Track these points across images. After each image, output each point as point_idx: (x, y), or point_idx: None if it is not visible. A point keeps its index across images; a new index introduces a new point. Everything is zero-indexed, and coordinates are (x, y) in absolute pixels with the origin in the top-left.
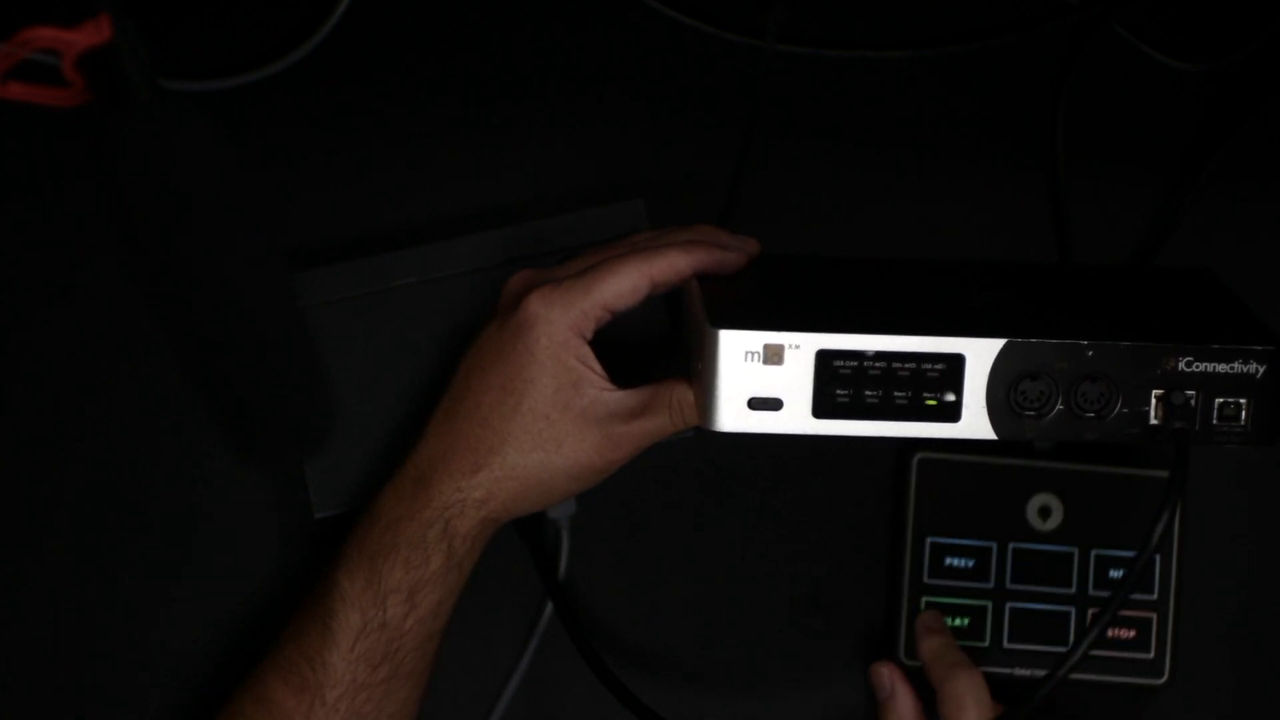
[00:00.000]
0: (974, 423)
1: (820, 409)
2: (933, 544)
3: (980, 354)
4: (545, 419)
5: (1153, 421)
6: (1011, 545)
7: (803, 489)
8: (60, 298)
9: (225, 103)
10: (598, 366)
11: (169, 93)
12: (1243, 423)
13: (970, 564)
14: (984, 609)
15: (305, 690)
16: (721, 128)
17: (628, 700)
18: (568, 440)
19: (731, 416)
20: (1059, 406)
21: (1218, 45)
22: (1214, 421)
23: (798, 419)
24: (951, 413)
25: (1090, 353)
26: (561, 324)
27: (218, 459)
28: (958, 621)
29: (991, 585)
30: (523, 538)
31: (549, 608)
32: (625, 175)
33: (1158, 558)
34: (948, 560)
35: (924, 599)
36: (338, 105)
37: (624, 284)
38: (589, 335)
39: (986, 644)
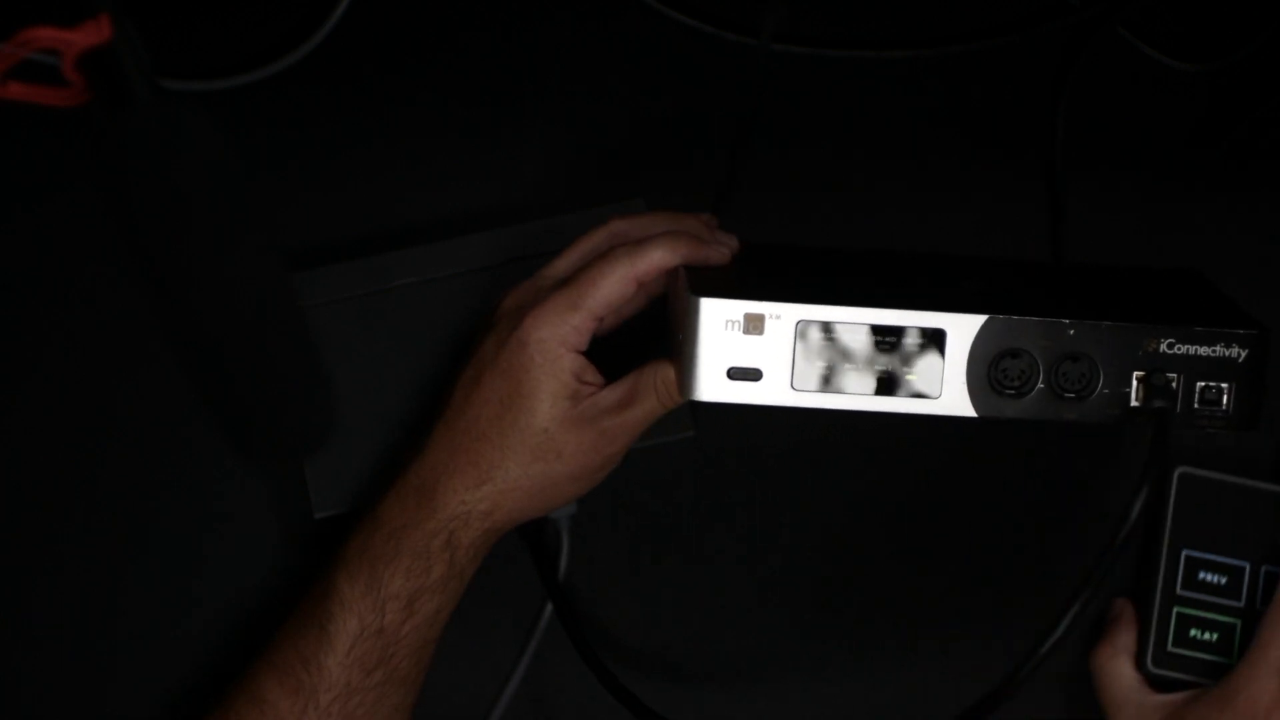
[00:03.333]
0: (954, 400)
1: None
2: (1188, 557)
3: (961, 329)
4: (544, 432)
5: (1134, 403)
6: (1264, 568)
7: (802, 490)
8: (60, 298)
9: (225, 103)
10: (593, 375)
11: (169, 93)
12: (1224, 407)
13: (1223, 581)
14: (1233, 626)
15: (299, 692)
16: (722, 127)
17: (627, 701)
18: (568, 447)
19: (710, 386)
20: (1040, 385)
21: (1218, 45)
22: (1195, 405)
23: (777, 390)
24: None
25: (1072, 331)
26: (554, 341)
27: (218, 459)
28: (1206, 635)
29: (1242, 604)
30: (523, 538)
31: (549, 608)
32: (625, 175)
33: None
34: (1201, 574)
35: (1175, 609)
36: (338, 105)
37: (611, 292)
38: (583, 347)
39: (1232, 661)
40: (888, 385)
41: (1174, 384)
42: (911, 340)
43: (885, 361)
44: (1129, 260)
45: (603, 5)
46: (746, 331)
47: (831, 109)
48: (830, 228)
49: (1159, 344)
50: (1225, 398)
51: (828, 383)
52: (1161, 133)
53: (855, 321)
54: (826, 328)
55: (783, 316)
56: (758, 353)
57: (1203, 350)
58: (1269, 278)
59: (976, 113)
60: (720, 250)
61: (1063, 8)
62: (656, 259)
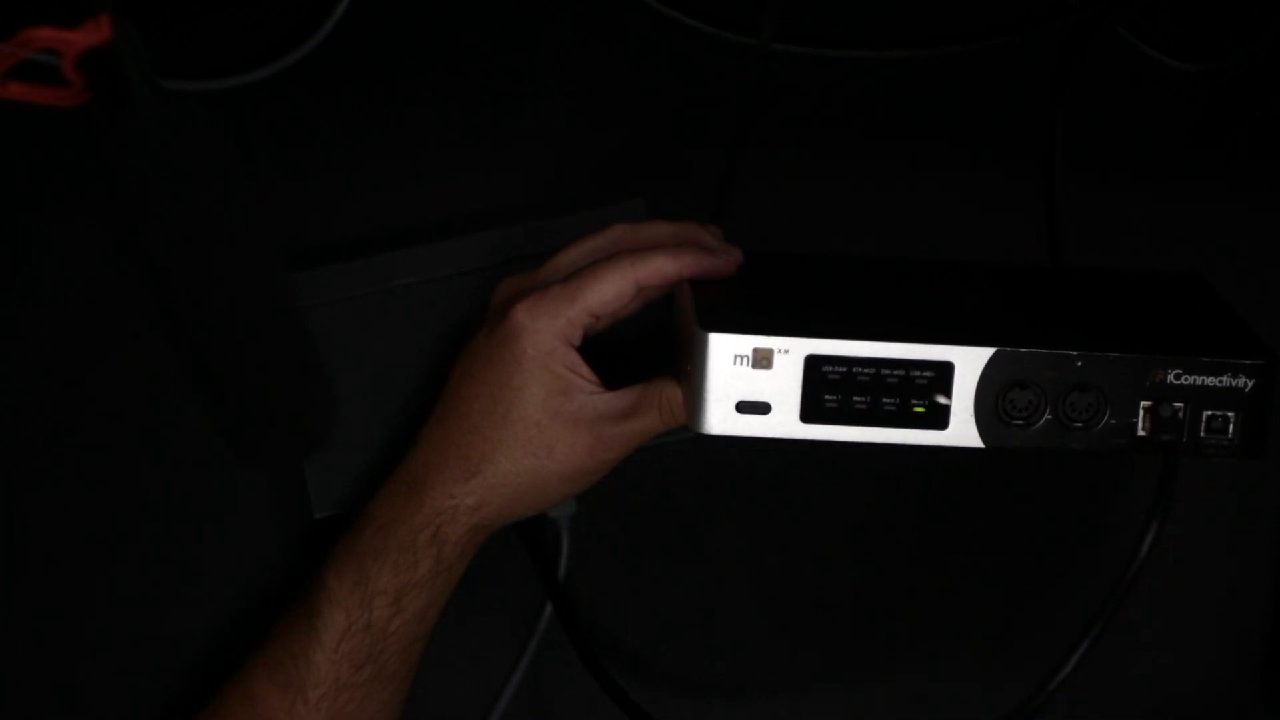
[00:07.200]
0: (962, 431)
1: (808, 414)
2: None
3: (969, 362)
4: (536, 425)
5: (1140, 433)
6: None
7: (802, 491)
8: (60, 298)
9: (225, 103)
10: (586, 371)
11: (169, 93)
12: (1230, 436)
13: None
14: None
15: (289, 687)
16: (721, 127)
17: (624, 703)
18: (559, 445)
19: (719, 419)
20: (1047, 416)
21: (1218, 45)
22: (1201, 434)
23: (786, 423)
24: (939, 420)
25: (1079, 363)
26: (547, 333)
27: (218, 459)
28: None
29: None
30: (522, 538)
31: (548, 609)
32: (625, 175)
33: None
34: None
35: None
36: (338, 105)
37: (609, 291)
38: (576, 342)
39: None
40: (896, 417)
41: (1180, 414)
42: (920, 373)
43: (894, 394)
44: (1128, 261)
45: (603, 5)
46: (755, 365)
47: (831, 109)
48: (829, 228)
49: (1166, 375)
50: (1231, 427)
51: (836, 415)
52: (1161, 133)
53: (863, 355)
54: (835, 361)
55: (791, 351)
56: (767, 386)
57: (1209, 380)
58: (1269, 278)
59: (976, 113)
60: (725, 262)
61: (1063, 8)
62: (660, 265)
